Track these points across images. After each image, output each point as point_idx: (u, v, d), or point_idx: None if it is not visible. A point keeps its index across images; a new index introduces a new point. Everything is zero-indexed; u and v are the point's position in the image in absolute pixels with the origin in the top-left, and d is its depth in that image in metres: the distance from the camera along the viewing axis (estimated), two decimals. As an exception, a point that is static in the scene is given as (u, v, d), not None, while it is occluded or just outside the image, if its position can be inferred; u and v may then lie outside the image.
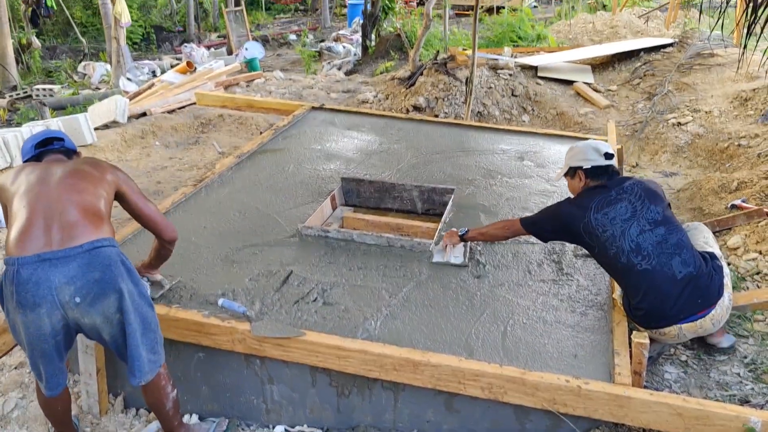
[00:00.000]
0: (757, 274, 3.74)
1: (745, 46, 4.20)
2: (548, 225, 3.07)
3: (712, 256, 2.92)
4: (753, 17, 3.77)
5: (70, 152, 2.65)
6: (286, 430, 2.82)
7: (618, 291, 2.97)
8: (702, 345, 3.12)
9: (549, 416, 2.48)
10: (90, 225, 2.31)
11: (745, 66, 6.53)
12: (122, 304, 2.28)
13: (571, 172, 3.09)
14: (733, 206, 4.63)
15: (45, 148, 2.58)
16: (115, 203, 2.57)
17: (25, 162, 2.56)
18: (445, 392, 2.56)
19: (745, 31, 4.04)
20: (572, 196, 3.12)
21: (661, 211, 2.88)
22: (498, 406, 2.53)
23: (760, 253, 3.91)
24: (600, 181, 3.00)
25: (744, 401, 2.76)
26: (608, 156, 3.02)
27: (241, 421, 2.88)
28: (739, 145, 5.87)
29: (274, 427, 2.84)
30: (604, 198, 2.91)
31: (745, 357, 3.07)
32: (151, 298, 2.73)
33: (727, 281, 2.86)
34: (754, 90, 6.87)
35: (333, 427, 2.78)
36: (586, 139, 5.27)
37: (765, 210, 4.31)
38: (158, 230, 2.70)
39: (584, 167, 3.02)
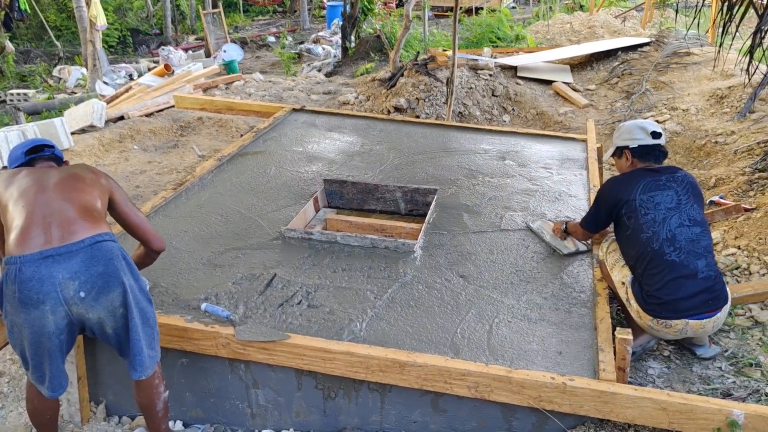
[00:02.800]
0: (737, 269, 3.79)
1: (720, 45, 4.26)
2: (601, 209, 3.05)
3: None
4: (728, 16, 3.83)
5: (59, 160, 2.67)
6: (272, 434, 2.80)
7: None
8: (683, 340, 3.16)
9: (535, 414, 2.49)
10: (88, 221, 2.32)
11: (721, 64, 6.62)
12: (125, 298, 2.28)
13: (618, 152, 3.05)
14: (712, 202, 4.69)
15: (36, 154, 2.58)
16: None
17: (14, 168, 2.54)
18: (432, 392, 2.55)
19: (721, 29, 4.10)
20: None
21: (701, 211, 2.90)
22: (484, 405, 2.53)
23: (739, 248, 3.96)
24: (648, 162, 2.97)
25: (726, 395, 2.79)
26: (655, 135, 2.98)
27: (226, 426, 2.85)
28: (716, 142, 5.95)
29: (260, 432, 2.82)
30: (654, 181, 2.89)
31: (726, 350, 3.11)
32: None
33: (728, 289, 2.91)
34: (729, 88, 6.98)
35: (319, 430, 2.76)
36: (567, 138, 5.31)
37: (743, 206, 4.38)
38: (147, 240, 2.67)
39: (630, 147, 2.98)
